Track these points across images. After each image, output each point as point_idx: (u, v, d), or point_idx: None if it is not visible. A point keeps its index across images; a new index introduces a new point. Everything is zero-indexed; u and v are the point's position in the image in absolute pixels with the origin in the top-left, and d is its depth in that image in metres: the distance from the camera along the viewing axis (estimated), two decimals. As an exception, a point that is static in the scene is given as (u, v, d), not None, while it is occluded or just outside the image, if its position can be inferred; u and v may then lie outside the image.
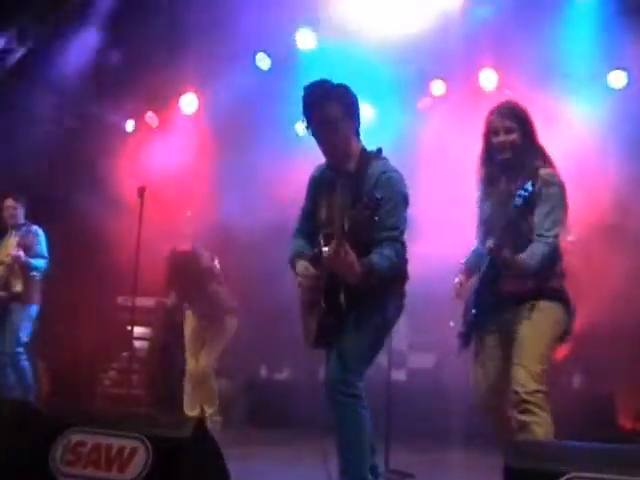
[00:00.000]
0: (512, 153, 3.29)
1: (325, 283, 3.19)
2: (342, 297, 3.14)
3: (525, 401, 3.00)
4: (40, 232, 6.07)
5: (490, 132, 3.35)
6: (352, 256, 2.96)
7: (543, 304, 3.15)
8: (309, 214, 3.46)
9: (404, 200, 3.27)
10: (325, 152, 3.32)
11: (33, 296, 5.97)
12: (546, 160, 3.32)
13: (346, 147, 3.30)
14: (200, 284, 5.83)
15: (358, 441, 3.18)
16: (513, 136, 3.29)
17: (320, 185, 3.42)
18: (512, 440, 2.77)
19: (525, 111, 3.37)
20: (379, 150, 3.36)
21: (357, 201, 3.15)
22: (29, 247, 5.94)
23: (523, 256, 3.10)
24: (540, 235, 3.14)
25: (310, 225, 3.44)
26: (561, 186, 3.22)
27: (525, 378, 3.03)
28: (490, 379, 3.24)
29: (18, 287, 5.86)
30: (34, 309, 6.00)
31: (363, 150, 3.36)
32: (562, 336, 3.21)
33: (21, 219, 6.10)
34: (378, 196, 3.10)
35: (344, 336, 3.22)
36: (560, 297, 3.20)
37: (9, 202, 6.09)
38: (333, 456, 3.23)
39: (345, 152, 3.31)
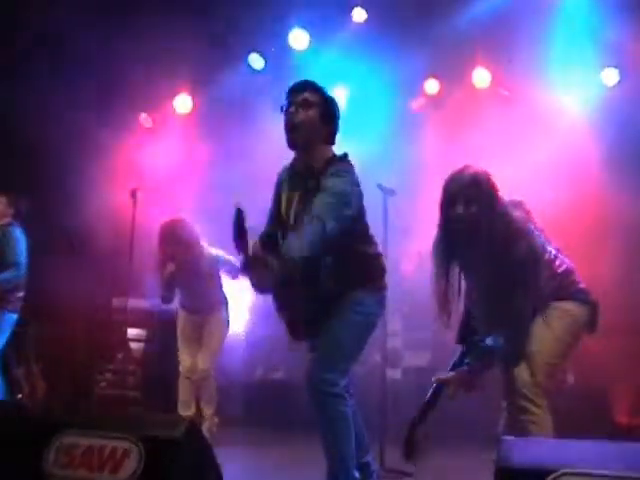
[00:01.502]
0: (473, 230, 3.01)
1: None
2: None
3: (520, 395, 2.95)
4: (15, 234, 5.57)
5: (447, 202, 3.07)
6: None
7: (556, 304, 3.10)
8: (272, 216, 3.47)
9: (342, 198, 3.12)
10: (286, 128, 3.28)
11: (6, 303, 5.51)
12: (510, 231, 3.00)
13: (309, 137, 3.25)
14: (191, 252, 5.49)
15: (340, 439, 3.17)
16: (473, 208, 3.00)
17: (281, 184, 3.44)
18: (502, 438, 2.75)
19: (488, 178, 3.06)
20: (344, 155, 3.33)
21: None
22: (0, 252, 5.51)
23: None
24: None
25: (275, 227, 3.42)
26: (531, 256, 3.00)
27: (524, 371, 2.99)
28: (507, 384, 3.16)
29: None
30: (10, 317, 5.55)
31: (332, 157, 3.30)
32: (579, 331, 3.15)
33: (4, 219, 5.63)
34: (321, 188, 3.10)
35: (323, 335, 3.23)
36: (577, 297, 3.13)
37: None
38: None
39: (307, 142, 3.26)
